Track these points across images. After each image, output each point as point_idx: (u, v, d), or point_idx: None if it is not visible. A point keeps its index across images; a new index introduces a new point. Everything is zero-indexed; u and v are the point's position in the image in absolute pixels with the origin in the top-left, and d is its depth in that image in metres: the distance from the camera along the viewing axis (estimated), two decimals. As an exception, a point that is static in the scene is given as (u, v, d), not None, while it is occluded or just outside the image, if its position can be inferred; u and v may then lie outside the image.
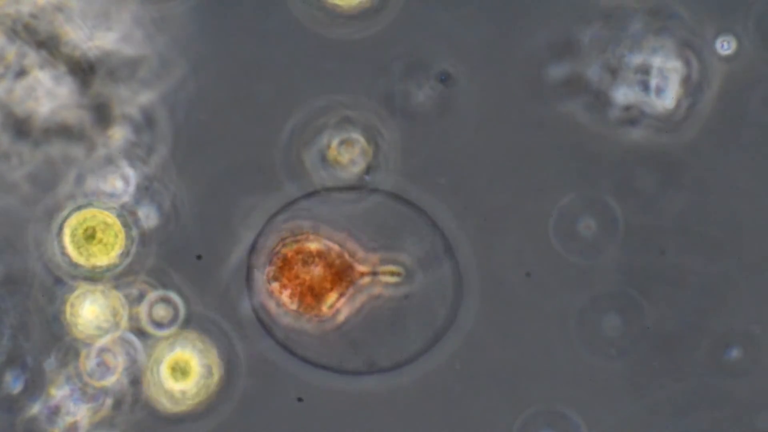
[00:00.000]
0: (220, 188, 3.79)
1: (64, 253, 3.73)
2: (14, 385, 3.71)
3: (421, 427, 3.77)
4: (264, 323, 3.76)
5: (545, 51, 3.81)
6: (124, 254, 3.74)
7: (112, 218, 3.74)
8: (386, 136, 3.81)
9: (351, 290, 3.73)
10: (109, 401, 3.72)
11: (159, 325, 3.74)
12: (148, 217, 3.76)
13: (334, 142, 3.82)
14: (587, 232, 3.79)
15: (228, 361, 3.75)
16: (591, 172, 3.79)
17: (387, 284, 3.74)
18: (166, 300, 3.75)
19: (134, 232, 3.74)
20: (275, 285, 3.73)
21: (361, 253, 3.74)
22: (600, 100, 3.79)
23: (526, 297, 3.78)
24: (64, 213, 3.74)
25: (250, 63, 3.82)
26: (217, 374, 3.75)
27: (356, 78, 3.81)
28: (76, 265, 3.73)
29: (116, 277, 3.75)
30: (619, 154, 3.79)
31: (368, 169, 3.79)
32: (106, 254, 3.74)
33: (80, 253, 3.73)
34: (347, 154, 3.82)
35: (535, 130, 3.81)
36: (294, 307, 3.73)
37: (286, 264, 3.74)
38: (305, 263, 3.74)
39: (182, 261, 3.77)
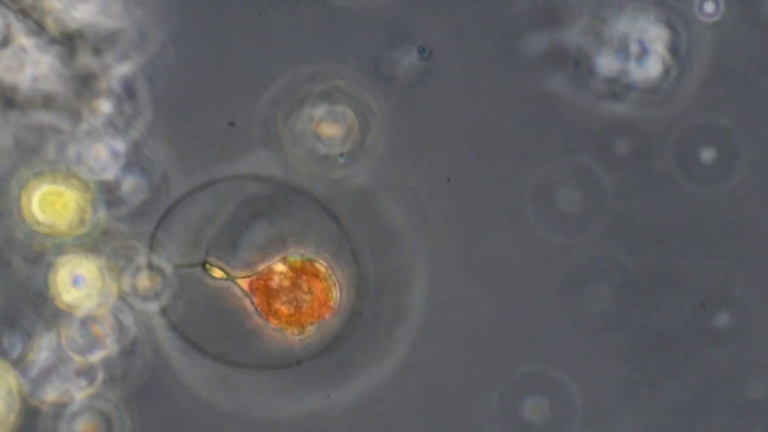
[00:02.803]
0: (200, 159, 3.79)
1: (26, 221, 3.75)
2: (13, 350, 3.77)
3: (406, 396, 3.81)
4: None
5: (525, 18, 3.74)
6: (92, 222, 3.75)
7: (77, 184, 3.75)
8: (377, 112, 3.77)
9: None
10: (100, 375, 3.78)
11: (147, 295, 3.78)
12: (136, 186, 3.77)
13: (319, 113, 3.79)
14: (571, 206, 3.77)
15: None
16: (575, 145, 3.76)
17: None
18: (154, 268, 3.78)
19: (102, 201, 3.75)
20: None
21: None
22: (582, 70, 3.73)
23: (512, 274, 3.79)
24: (23, 179, 3.75)
25: (232, 32, 3.78)
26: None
27: (342, 46, 3.78)
28: (39, 233, 3.76)
29: (101, 245, 3.77)
30: (603, 128, 3.75)
31: (343, 152, 3.76)
32: (70, 222, 3.76)
33: (42, 221, 3.75)
34: (332, 127, 3.78)
35: (517, 104, 3.76)
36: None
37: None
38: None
39: (172, 228, 3.79)
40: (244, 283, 3.74)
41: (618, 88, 3.71)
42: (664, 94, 3.72)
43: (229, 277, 3.73)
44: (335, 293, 3.74)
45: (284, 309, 3.73)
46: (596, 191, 3.75)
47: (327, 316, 3.73)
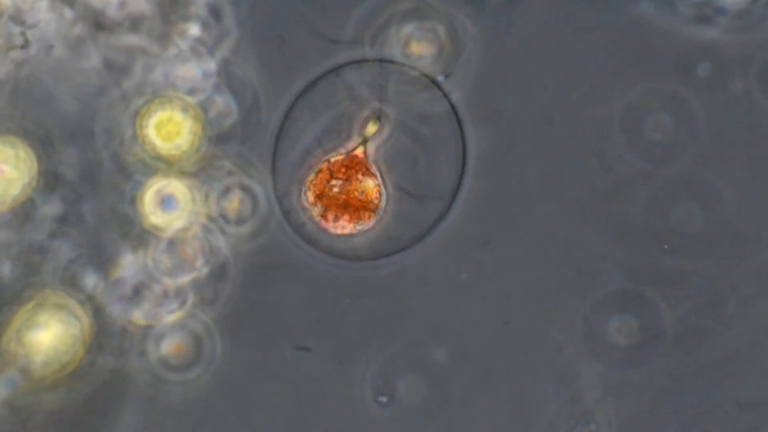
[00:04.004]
0: (285, 78, 3.79)
1: (137, 142, 3.75)
2: (94, 281, 3.77)
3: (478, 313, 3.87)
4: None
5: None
6: (197, 143, 3.75)
7: (186, 107, 3.74)
8: (470, 31, 3.75)
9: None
10: (190, 298, 3.79)
11: (238, 216, 3.79)
12: (227, 107, 3.76)
13: (408, 31, 3.75)
14: (659, 132, 3.80)
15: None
16: (658, 70, 3.78)
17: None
18: (245, 189, 3.79)
19: (209, 122, 3.75)
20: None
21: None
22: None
23: (600, 200, 3.81)
24: (139, 102, 3.75)
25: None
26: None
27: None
28: (150, 154, 3.75)
29: (194, 167, 3.77)
30: (688, 52, 3.77)
31: (445, 72, 3.74)
32: (179, 143, 3.75)
33: (154, 142, 3.75)
34: (421, 45, 3.75)
35: (605, 30, 3.77)
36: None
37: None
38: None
39: (261, 152, 3.79)
40: (360, 151, 3.77)
41: (708, 11, 3.72)
42: (753, 18, 3.74)
43: (367, 137, 3.75)
44: (362, 228, 3.79)
45: (336, 189, 3.78)
46: (685, 116, 3.79)
47: (339, 230, 3.78)
